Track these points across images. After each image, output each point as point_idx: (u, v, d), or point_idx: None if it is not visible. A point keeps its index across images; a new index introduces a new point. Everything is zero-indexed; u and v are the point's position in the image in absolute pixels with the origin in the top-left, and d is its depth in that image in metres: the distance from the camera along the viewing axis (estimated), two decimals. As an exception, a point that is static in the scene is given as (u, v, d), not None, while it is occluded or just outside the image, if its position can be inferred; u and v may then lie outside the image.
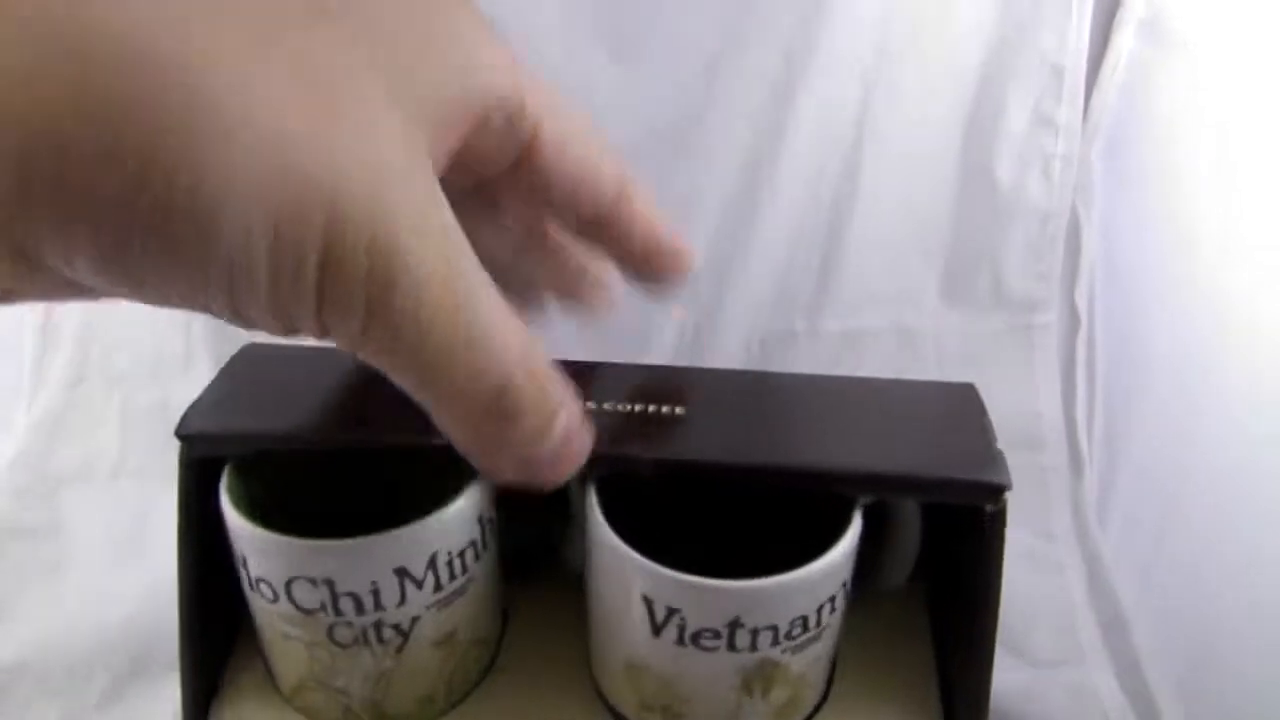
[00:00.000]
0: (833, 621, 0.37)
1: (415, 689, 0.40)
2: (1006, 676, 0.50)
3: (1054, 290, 0.69)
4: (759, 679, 0.36)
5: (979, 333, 0.70)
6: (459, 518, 0.37)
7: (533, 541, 0.45)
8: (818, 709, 0.40)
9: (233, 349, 0.68)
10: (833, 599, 0.36)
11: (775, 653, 0.35)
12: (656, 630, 0.35)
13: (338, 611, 0.36)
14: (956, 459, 0.37)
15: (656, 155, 0.66)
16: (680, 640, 0.35)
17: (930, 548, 0.42)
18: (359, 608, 0.36)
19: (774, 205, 0.68)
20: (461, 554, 0.38)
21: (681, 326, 0.69)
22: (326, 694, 0.39)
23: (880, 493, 0.36)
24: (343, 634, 0.37)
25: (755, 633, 0.34)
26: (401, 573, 0.36)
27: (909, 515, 0.40)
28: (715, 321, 0.70)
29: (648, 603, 0.35)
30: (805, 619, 0.35)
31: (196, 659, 0.41)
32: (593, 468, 0.36)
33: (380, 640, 0.37)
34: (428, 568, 0.37)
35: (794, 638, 0.35)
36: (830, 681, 0.41)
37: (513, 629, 0.44)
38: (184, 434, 0.39)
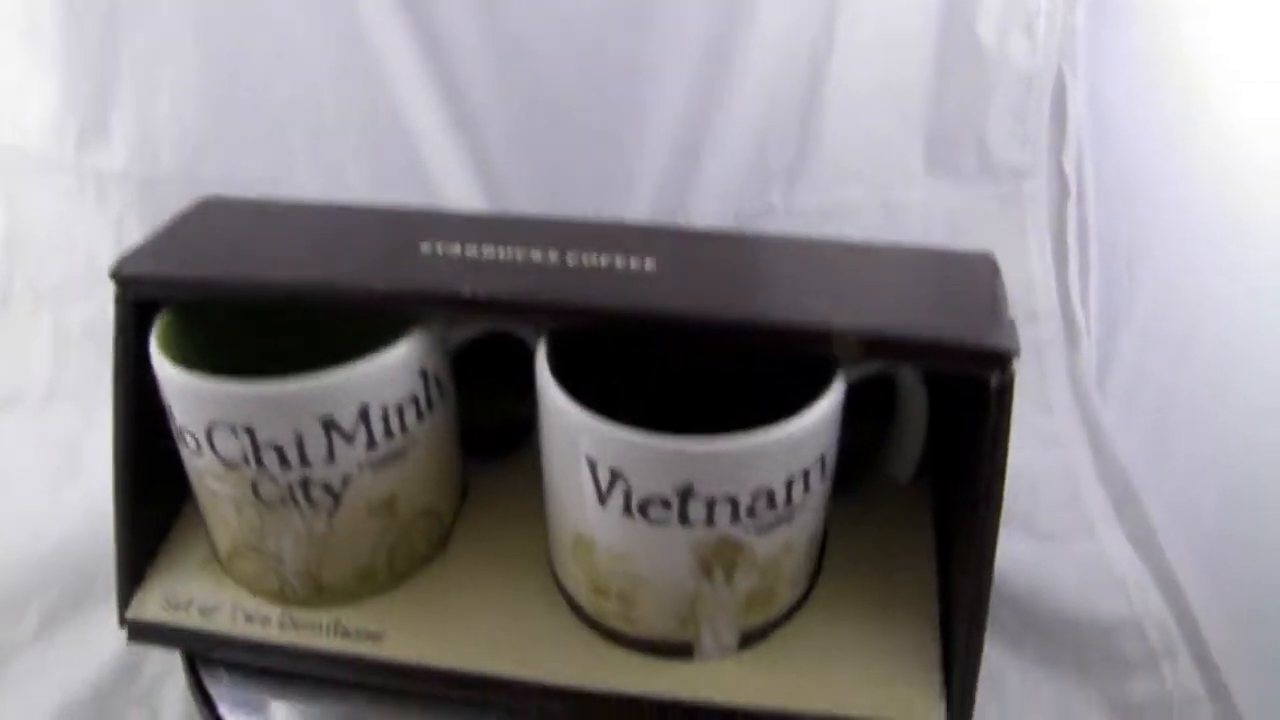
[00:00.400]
0: (807, 503, 0.32)
1: (353, 559, 0.36)
2: (1015, 551, 0.51)
3: (1041, 156, 0.66)
4: (719, 562, 0.32)
5: (965, 203, 0.67)
6: (394, 367, 0.33)
7: (499, 419, 0.41)
8: (796, 607, 0.36)
9: None
10: (806, 475, 0.31)
11: (736, 531, 0.31)
12: (602, 498, 0.31)
13: (260, 464, 0.33)
14: (957, 323, 0.32)
15: (620, 26, 0.62)
16: (627, 509, 0.31)
17: (939, 440, 0.37)
18: (283, 461, 0.33)
19: (746, 75, 0.64)
20: (400, 410, 0.34)
21: (654, 202, 0.66)
22: (260, 560, 0.36)
23: (866, 356, 0.31)
24: (268, 491, 0.34)
25: (711, 505, 0.30)
26: (328, 424, 0.33)
27: (912, 399, 0.35)
28: (687, 197, 0.67)
29: (591, 465, 0.31)
30: (770, 494, 0.31)
31: (132, 521, 0.38)
32: (548, 318, 0.33)
33: (309, 501, 0.34)
34: (358, 420, 0.33)
35: (756, 515, 0.31)
36: (814, 579, 0.37)
37: (471, 508, 0.41)
38: (119, 276, 0.35)
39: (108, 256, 0.65)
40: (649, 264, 0.34)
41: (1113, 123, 0.64)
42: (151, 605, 0.38)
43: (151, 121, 0.65)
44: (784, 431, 0.29)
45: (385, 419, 0.34)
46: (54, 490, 0.58)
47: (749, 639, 0.35)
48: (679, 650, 0.34)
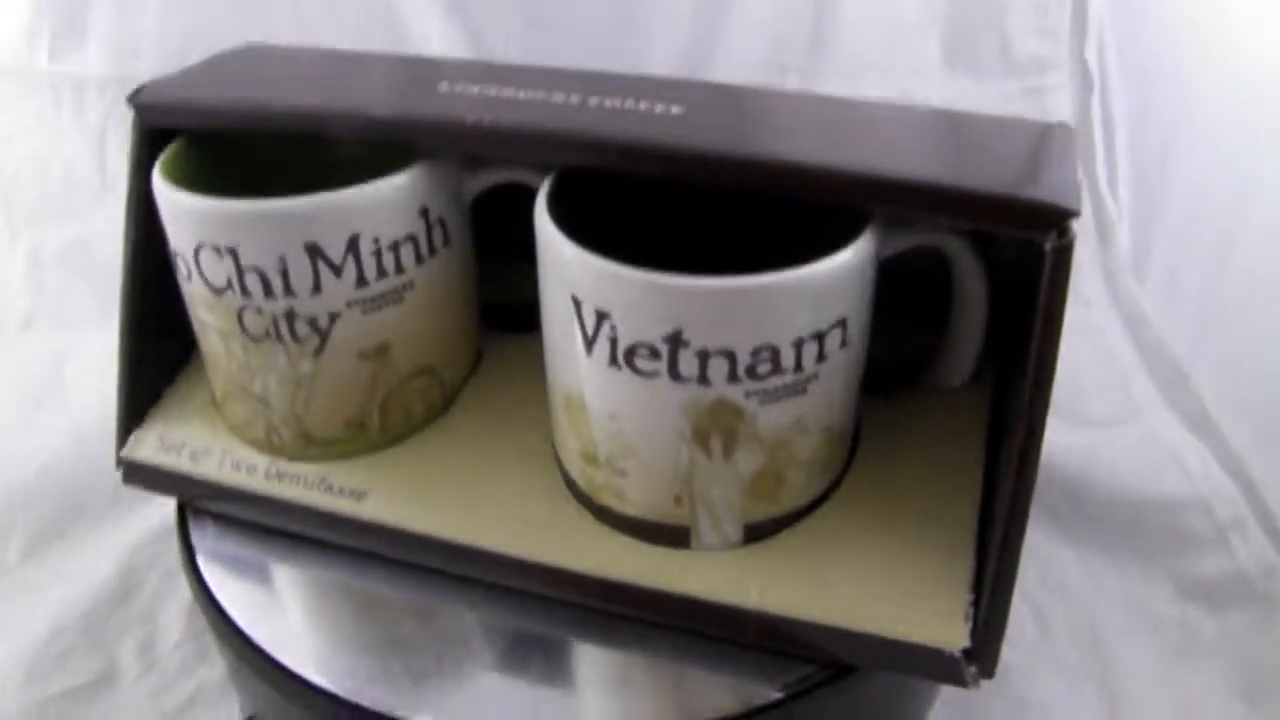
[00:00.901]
0: (824, 375, 0.28)
1: (340, 408, 0.34)
2: (1065, 440, 0.51)
3: (1063, 49, 0.66)
4: (716, 430, 0.28)
5: (987, 99, 0.66)
6: (388, 198, 0.31)
7: (525, 292, 0.38)
8: (814, 507, 0.32)
9: None
10: (820, 338, 0.27)
11: (734, 393, 0.27)
12: (588, 344, 0.28)
13: (245, 291, 0.31)
14: (1009, 178, 0.27)
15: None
16: (614, 360, 0.27)
17: (1000, 339, 0.33)
18: (267, 288, 0.31)
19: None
20: (395, 248, 0.32)
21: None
22: (248, 404, 0.35)
23: (899, 208, 0.27)
24: (253, 323, 0.32)
25: (704, 358, 0.27)
26: (314, 250, 0.31)
27: (968, 279, 0.31)
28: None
29: (577, 306, 0.28)
30: (775, 353, 0.27)
31: (137, 359, 0.37)
32: (557, 151, 0.30)
33: (294, 336, 0.32)
34: (347, 251, 0.31)
35: (760, 376, 0.27)
36: (839, 480, 0.33)
37: (482, 378, 0.38)
38: (137, 102, 0.34)
39: (88, 173, 0.66)
40: (675, 109, 0.31)
41: (1137, 11, 0.63)
42: (147, 446, 0.37)
43: (131, 20, 0.64)
44: (789, 279, 0.26)
45: (378, 255, 0.31)
46: (36, 417, 0.57)
47: (754, 533, 0.31)
48: (674, 536, 0.31)
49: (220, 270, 0.31)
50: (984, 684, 0.40)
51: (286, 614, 0.34)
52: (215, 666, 0.43)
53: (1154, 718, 0.40)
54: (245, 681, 0.36)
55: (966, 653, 0.29)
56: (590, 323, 0.27)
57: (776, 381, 0.27)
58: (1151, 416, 0.53)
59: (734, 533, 0.31)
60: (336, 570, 0.35)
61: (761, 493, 0.30)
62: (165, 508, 0.49)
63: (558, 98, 0.32)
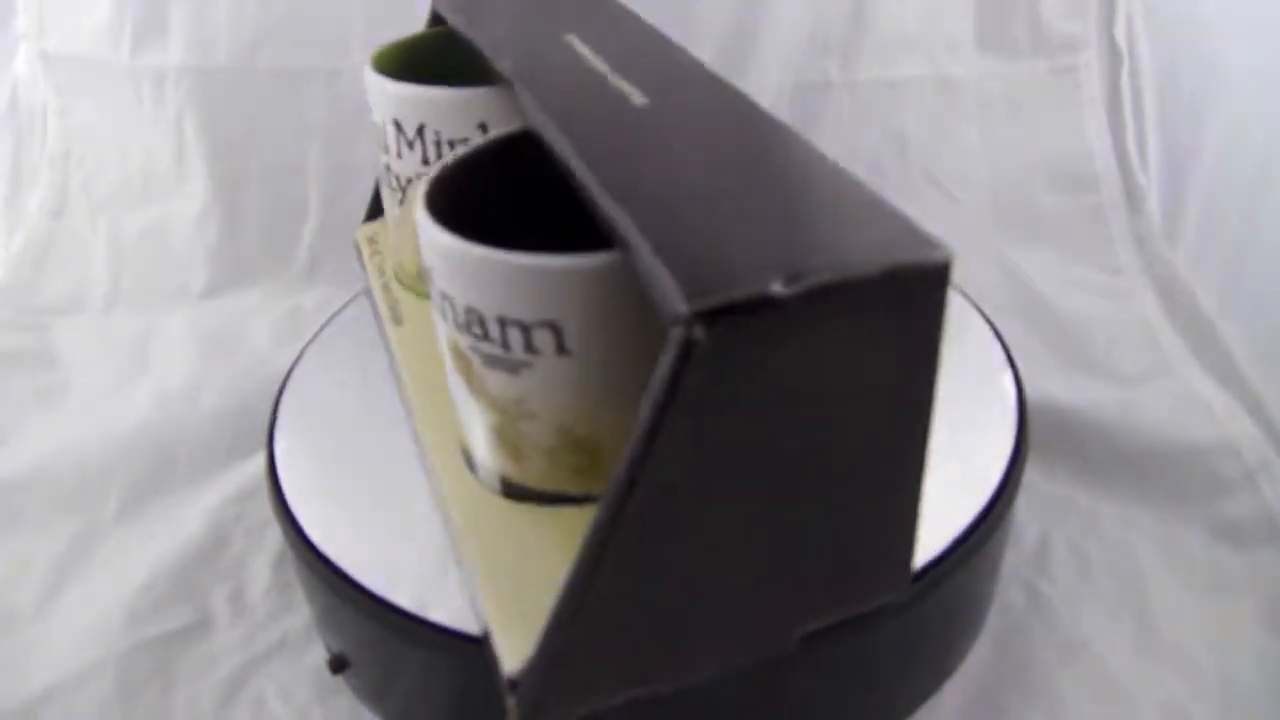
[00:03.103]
0: (537, 366, 0.28)
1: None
2: (1101, 395, 0.54)
3: (1093, 27, 0.69)
4: (459, 369, 0.30)
5: (1019, 78, 0.69)
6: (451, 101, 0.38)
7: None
8: (576, 501, 0.31)
9: (231, 155, 0.64)
10: (525, 329, 0.27)
11: (463, 342, 0.29)
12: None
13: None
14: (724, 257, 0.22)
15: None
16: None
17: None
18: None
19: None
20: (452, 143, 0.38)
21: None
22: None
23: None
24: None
25: (443, 298, 0.29)
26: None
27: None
28: (744, 69, 0.68)
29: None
30: (481, 318, 0.27)
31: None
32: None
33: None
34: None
35: (474, 335, 0.28)
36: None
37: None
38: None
39: (166, 160, 0.70)
40: (643, 99, 0.31)
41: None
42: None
43: (208, 13, 0.67)
44: (489, 257, 0.26)
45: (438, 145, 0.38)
46: (123, 386, 0.61)
47: (510, 490, 0.32)
48: (468, 458, 0.33)
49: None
50: (1030, 620, 0.43)
51: (375, 548, 0.37)
52: (300, 614, 0.46)
53: (1189, 651, 0.42)
54: (336, 619, 0.39)
55: (511, 682, 0.26)
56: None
57: (486, 349, 0.28)
58: (1183, 371, 0.55)
59: (492, 480, 0.32)
60: (422, 507, 0.37)
61: (505, 453, 0.31)
62: (246, 472, 0.53)
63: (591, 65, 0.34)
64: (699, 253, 0.21)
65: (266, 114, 0.70)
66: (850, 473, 0.24)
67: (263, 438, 0.43)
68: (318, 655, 0.44)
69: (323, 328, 0.50)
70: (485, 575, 0.30)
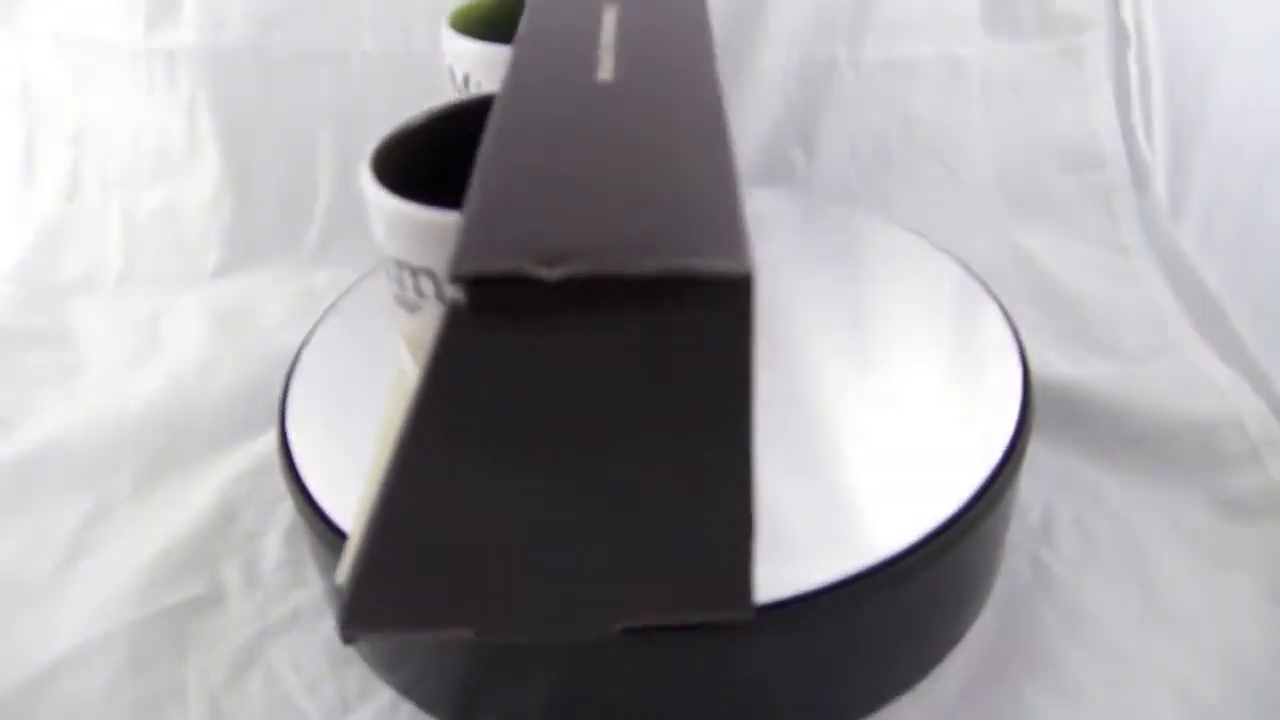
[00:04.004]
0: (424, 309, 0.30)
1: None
2: (1106, 372, 0.54)
3: (1100, 6, 0.69)
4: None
5: (1026, 58, 0.69)
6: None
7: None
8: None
9: (243, 136, 0.66)
10: (414, 273, 0.29)
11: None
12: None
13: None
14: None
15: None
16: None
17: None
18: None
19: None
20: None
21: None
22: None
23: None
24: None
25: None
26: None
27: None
28: (751, 47, 0.68)
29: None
30: (398, 264, 0.29)
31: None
32: None
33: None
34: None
35: (390, 275, 0.30)
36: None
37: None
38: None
39: (178, 140, 0.70)
40: (610, 77, 0.31)
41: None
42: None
43: None
44: (386, 204, 0.28)
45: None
46: (137, 365, 0.61)
47: None
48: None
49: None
50: (1034, 590, 0.44)
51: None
52: (312, 588, 0.47)
53: (1192, 622, 0.42)
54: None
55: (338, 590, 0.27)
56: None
57: (394, 288, 0.30)
58: (1188, 349, 0.56)
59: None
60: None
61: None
62: (258, 448, 0.53)
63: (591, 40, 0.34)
64: (506, 224, 0.22)
65: (279, 95, 0.70)
66: (647, 475, 0.24)
67: (274, 415, 0.44)
68: (329, 628, 0.44)
69: (333, 305, 0.51)
70: (364, 496, 0.30)
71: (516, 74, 0.31)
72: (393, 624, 0.26)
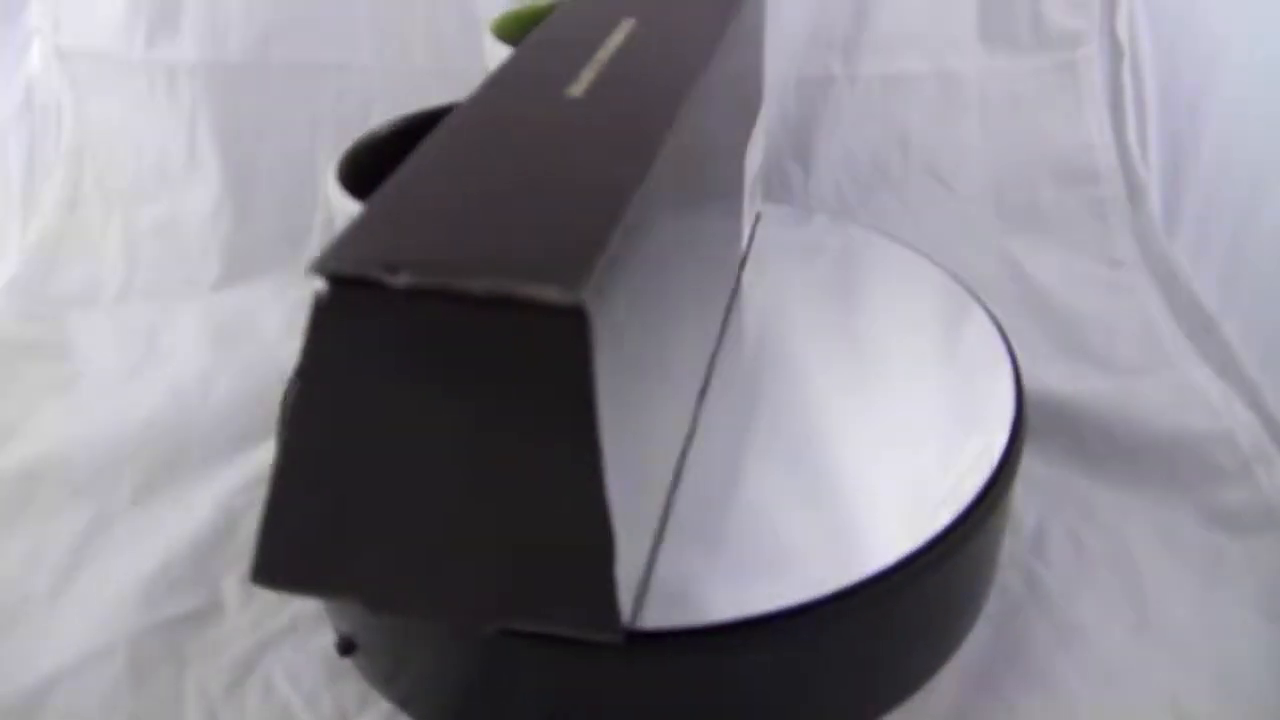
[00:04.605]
0: None
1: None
2: (1099, 386, 0.54)
3: (1094, 22, 0.69)
4: None
5: (1021, 73, 0.70)
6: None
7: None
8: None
9: (243, 149, 0.66)
10: None
11: None
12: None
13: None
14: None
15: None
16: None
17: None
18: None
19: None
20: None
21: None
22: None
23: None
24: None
25: None
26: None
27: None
28: None
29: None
30: None
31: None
32: None
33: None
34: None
35: None
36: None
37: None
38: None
39: (179, 153, 0.70)
40: (579, 87, 0.32)
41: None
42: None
43: (221, 8, 0.68)
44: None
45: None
46: (136, 376, 0.61)
47: None
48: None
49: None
50: (1027, 604, 0.44)
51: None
52: (310, 601, 0.47)
53: (1185, 636, 0.43)
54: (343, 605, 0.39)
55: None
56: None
57: None
58: (1182, 363, 0.56)
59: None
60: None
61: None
62: (257, 459, 0.53)
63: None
64: (382, 229, 0.24)
65: (278, 108, 0.70)
66: (501, 484, 0.24)
67: (273, 426, 0.44)
68: (326, 640, 0.44)
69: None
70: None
71: (488, 85, 0.32)
72: (291, 583, 0.27)
